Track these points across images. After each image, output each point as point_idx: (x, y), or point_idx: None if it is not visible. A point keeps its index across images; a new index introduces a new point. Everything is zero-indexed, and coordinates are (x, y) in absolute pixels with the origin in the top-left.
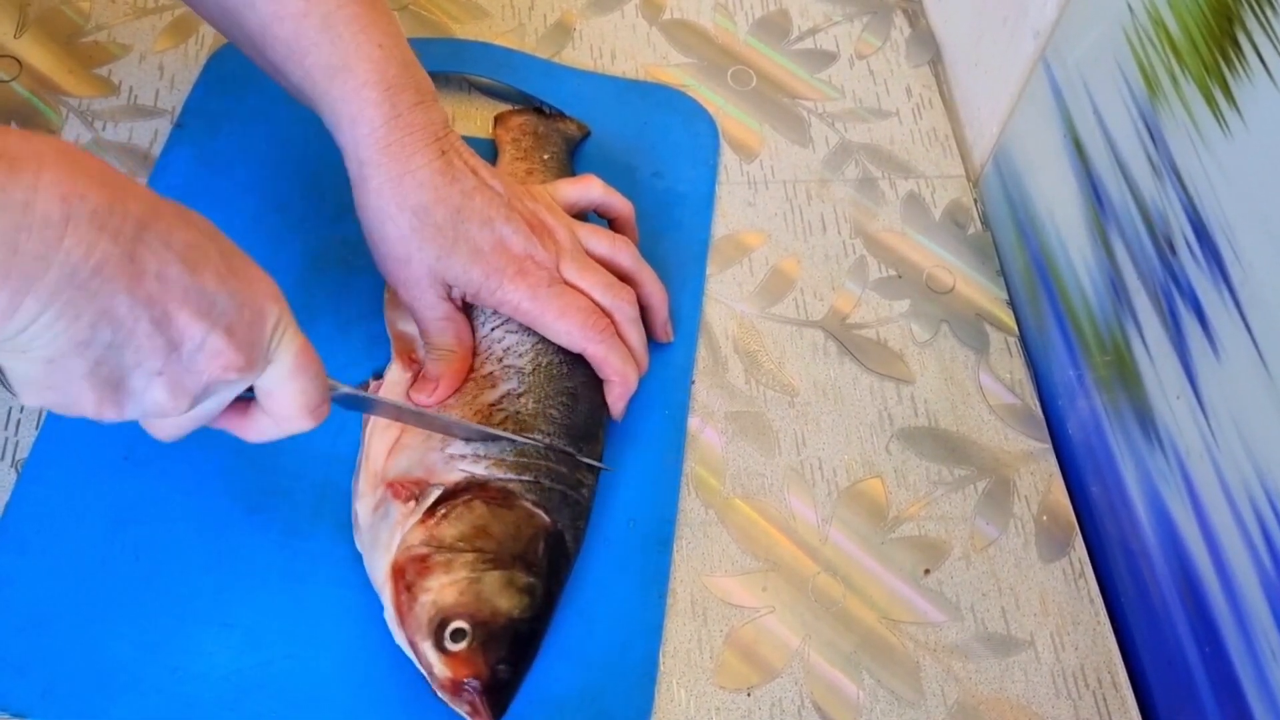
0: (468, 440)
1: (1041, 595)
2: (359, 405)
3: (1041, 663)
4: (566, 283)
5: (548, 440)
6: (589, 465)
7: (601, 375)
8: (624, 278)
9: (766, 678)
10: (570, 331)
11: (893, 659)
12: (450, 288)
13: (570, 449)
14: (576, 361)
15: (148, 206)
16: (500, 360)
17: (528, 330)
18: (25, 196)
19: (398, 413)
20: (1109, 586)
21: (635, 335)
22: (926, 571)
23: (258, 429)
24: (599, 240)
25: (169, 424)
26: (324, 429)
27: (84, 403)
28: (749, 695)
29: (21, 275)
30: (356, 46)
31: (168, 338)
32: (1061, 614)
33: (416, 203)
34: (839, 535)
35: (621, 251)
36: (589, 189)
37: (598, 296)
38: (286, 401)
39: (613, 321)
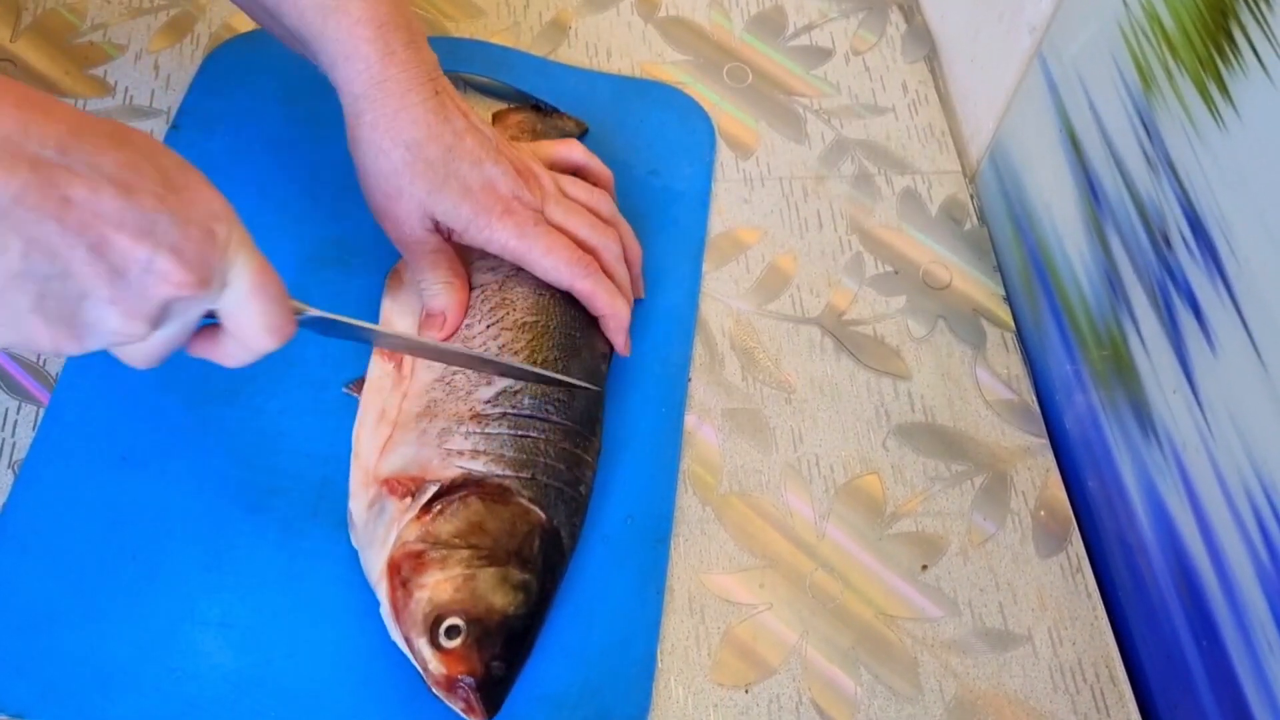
0: (466, 435)
1: (1039, 590)
2: (332, 330)
3: (1039, 658)
4: (551, 224)
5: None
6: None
7: (593, 311)
8: None
9: (764, 674)
10: (558, 267)
11: (890, 655)
12: (438, 224)
13: (563, 379)
14: (572, 357)
15: (69, 128)
16: (496, 356)
17: (523, 326)
18: None
19: (372, 336)
20: (1106, 581)
21: (621, 271)
22: (924, 567)
23: (227, 352)
24: (579, 189)
25: (138, 351)
26: (321, 428)
27: (39, 338)
28: (747, 692)
29: None
30: None
31: (109, 264)
32: (1059, 609)
33: (409, 138)
34: (836, 532)
35: (601, 201)
36: (571, 150)
37: (583, 235)
38: (248, 322)
39: (598, 259)
